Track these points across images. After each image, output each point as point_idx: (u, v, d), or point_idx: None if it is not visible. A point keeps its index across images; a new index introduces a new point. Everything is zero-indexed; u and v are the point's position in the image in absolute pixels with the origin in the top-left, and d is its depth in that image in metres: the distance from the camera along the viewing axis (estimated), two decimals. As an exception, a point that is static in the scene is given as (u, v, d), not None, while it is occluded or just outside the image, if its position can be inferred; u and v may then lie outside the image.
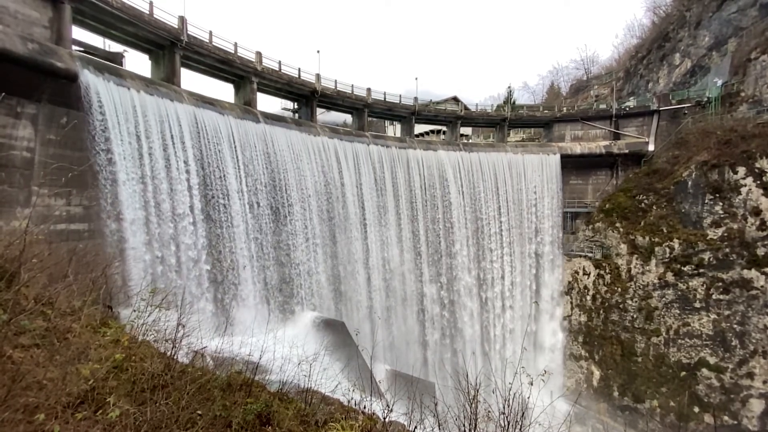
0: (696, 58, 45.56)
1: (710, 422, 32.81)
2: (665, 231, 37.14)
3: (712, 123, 37.54)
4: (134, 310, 7.76)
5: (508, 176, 43.07)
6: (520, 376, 6.58)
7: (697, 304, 35.06)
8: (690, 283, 35.42)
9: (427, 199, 39.90)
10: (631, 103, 45.26)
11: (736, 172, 34.15)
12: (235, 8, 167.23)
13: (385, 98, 40.12)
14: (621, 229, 39.78)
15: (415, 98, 42.46)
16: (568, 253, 43.01)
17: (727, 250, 34.02)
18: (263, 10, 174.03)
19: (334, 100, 36.96)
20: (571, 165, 43.99)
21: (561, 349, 41.75)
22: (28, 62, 16.72)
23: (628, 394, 37.28)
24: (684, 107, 40.75)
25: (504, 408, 6.13)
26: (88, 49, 23.01)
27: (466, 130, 55.55)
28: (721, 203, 34.64)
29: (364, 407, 7.11)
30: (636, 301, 37.97)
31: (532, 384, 6.74)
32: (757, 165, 33.38)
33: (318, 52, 40.83)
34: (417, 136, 47.62)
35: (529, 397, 6.56)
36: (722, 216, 34.57)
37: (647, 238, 37.82)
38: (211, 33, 26.34)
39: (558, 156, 43.61)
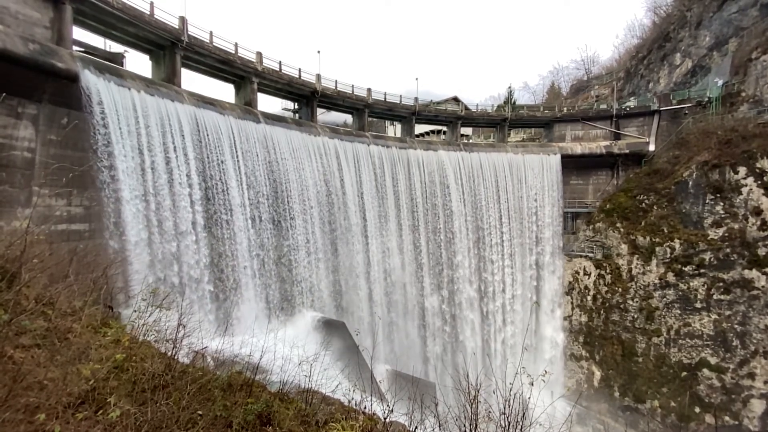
0: (697, 58, 45.54)
1: (711, 422, 32.78)
2: (666, 231, 37.11)
3: (713, 123, 37.51)
4: (135, 311, 7.77)
5: (508, 176, 43.05)
6: (521, 377, 6.58)
7: (698, 305, 35.03)
8: (691, 284, 35.39)
9: (428, 204, 39.75)
10: (632, 103, 45.23)
11: (736, 172, 34.13)
12: (235, 8, 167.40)
13: (385, 98, 40.13)
14: (622, 230, 39.75)
15: (416, 98, 42.47)
16: (569, 253, 42.99)
17: (728, 250, 33.99)
18: (263, 10, 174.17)
19: (335, 101, 36.97)
20: (572, 165, 43.97)
21: (561, 350, 41.73)
22: (29, 62, 16.74)
23: (628, 394, 37.24)
24: (685, 107, 40.72)
25: (504, 408, 6.12)
26: (89, 49, 23.04)
27: (467, 131, 55.55)
28: (721, 203, 34.61)
29: (365, 407, 7.10)
30: (637, 302, 37.94)
31: (532, 384, 6.74)
32: (758, 165, 33.35)
33: (318, 52, 40.89)
34: (417, 136, 47.61)
35: (529, 398, 6.56)
36: (723, 216, 34.54)
37: (648, 239, 37.79)
38: (211, 33, 26.37)
39: (558, 156, 43.59)
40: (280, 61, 31.28)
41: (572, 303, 41.93)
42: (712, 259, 34.58)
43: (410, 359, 36.05)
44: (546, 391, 6.87)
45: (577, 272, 41.83)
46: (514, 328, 42.34)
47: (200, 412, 5.57)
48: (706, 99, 39.58)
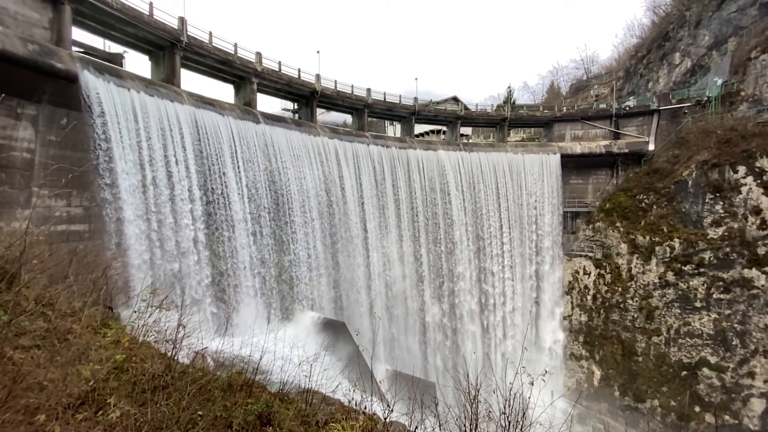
0: (696, 57, 45.54)
1: (711, 422, 32.79)
2: (666, 230, 37.13)
3: (713, 122, 37.52)
4: (135, 311, 7.76)
5: (508, 176, 43.05)
6: (521, 376, 6.58)
7: (698, 304, 35.04)
8: (690, 283, 35.40)
9: (428, 213, 39.63)
10: (631, 102, 45.25)
11: (736, 172, 34.14)
12: (235, 8, 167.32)
13: (385, 98, 40.13)
14: (621, 229, 39.76)
15: (415, 98, 42.47)
16: (569, 252, 43.00)
17: (728, 249, 34.00)
18: (263, 10, 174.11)
19: (334, 101, 36.96)
20: (572, 165, 43.98)
21: (561, 349, 41.73)
22: (28, 63, 16.73)
23: (628, 393, 37.26)
24: (684, 107, 40.73)
25: (505, 408, 6.12)
26: (88, 50, 23.03)
27: (466, 130, 55.56)
28: (721, 202, 34.63)
29: (365, 407, 7.10)
30: (636, 301, 37.95)
31: (532, 384, 6.74)
32: (758, 164, 33.37)
33: (318, 52, 40.86)
34: (417, 136, 47.61)
35: (529, 397, 6.56)
36: (723, 215, 34.56)
37: (648, 238, 37.81)
38: (211, 34, 26.37)
39: (558, 156, 43.60)
40: (280, 62, 31.30)
41: (572, 302, 41.94)
42: (711, 259, 34.60)
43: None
44: (546, 390, 6.87)
45: (577, 272, 41.84)
46: (514, 342, 42.22)
47: (200, 413, 5.57)
48: (706, 98, 39.59)
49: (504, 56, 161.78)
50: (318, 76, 34.19)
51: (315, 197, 30.41)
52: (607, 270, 39.99)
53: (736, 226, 33.92)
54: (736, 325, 33.51)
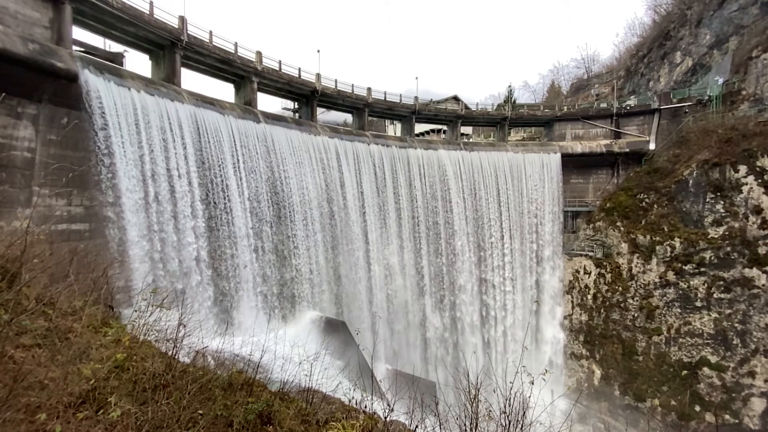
0: (697, 56, 45.48)
1: (711, 421, 32.76)
2: (666, 230, 37.09)
3: (713, 121, 37.47)
4: (135, 310, 7.77)
5: (508, 175, 43.03)
6: (521, 375, 6.58)
7: (698, 303, 35.02)
8: (691, 282, 35.38)
9: (429, 222, 39.57)
10: (632, 101, 45.20)
11: (737, 171, 34.09)
12: (235, 8, 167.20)
13: (385, 97, 40.12)
14: (622, 228, 39.74)
15: (416, 97, 42.45)
16: (569, 252, 42.99)
17: (729, 248, 33.97)
18: (263, 10, 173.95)
19: (335, 100, 36.94)
20: (572, 164, 43.95)
21: (562, 348, 41.74)
22: (28, 62, 16.73)
23: (629, 393, 37.26)
24: (685, 106, 40.68)
25: (505, 407, 6.13)
26: (89, 49, 23.02)
27: (467, 130, 55.52)
28: (722, 202, 34.59)
29: (365, 406, 7.11)
30: (637, 300, 37.93)
31: (533, 383, 6.74)
32: (759, 163, 33.32)
33: (318, 51, 40.83)
34: (417, 135, 47.58)
35: (530, 396, 6.56)
36: (723, 215, 34.52)
37: (648, 237, 37.78)
38: (211, 33, 26.36)
39: (559, 155, 43.57)
40: (280, 61, 31.30)
41: (572, 302, 41.93)
42: (712, 258, 34.57)
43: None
44: (546, 390, 6.88)
45: (578, 271, 41.82)
46: (515, 356, 42.10)
47: (201, 412, 5.57)
48: (707, 97, 39.53)
49: (504, 55, 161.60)
50: (318, 76, 34.18)
51: (317, 207, 30.07)
52: (608, 269, 39.97)
53: (736, 225, 33.88)
54: (736, 325, 33.49)
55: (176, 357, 6.69)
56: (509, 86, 67.41)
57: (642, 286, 37.77)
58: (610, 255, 40.26)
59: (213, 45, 26.56)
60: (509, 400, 6.12)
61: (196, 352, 7.90)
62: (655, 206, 38.29)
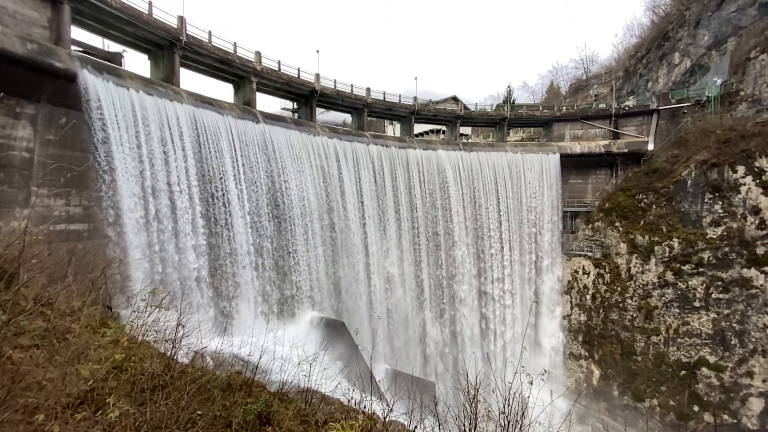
0: (695, 57, 45.56)
1: (710, 421, 32.81)
2: (665, 230, 37.16)
3: (712, 122, 37.55)
4: (134, 311, 7.75)
5: (507, 176, 43.07)
6: (520, 376, 6.58)
7: (697, 303, 35.09)
8: (689, 282, 35.44)
9: (429, 231, 39.56)
10: (631, 102, 45.28)
11: (735, 171, 34.17)
12: (235, 8, 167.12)
13: (384, 98, 40.13)
14: (621, 229, 39.80)
15: (415, 98, 42.46)
16: (568, 252, 43.03)
17: (727, 249, 34.04)
18: (263, 10, 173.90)
19: (334, 100, 36.93)
20: (571, 164, 44.01)
21: (561, 349, 41.78)
22: (27, 62, 16.69)
23: (627, 393, 37.30)
24: (683, 106, 40.77)
25: (504, 407, 6.12)
26: (88, 49, 22.99)
27: (466, 130, 55.58)
28: (720, 202, 34.66)
29: (364, 407, 7.10)
30: (636, 301, 37.99)
31: (532, 383, 6.74)
32: (757, 164, 33.40)
33: (317, 51, 40.85)
34: (416, 135, 47.59)
35: (529, 397, 6.56)
36: (722, 215, 34.59)
37: (647, 238, 37.84)
38: (210, 33, 26.33)
39: (557, 155, 43.62)
40: (279, 61, 31.28)
41: (571, 302, 41.97)
42: (710, 258, 34.63)
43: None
44: (545, 390, 6.88)
45: (576, 271, 41.87)
46: (513, 358, 42.04)
47: (200, 412, 5.57)
48: (705, 98, 39.62)
49: (503, 56, 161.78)
50: (317, 76, 34.16)
51: (318, 219, 29.68)
52: (607, 270, 40.03)
53: (735, 225, 33.96)
54: (735, 325, 33.55)
55: (175, 357, 6.68)
56: (508, 86, 67.61)
57: (641, 286, 37.83)
58: (608, 255, 40.32)
59: (212, 45, 26.53)
60: (508, 400, 6.12)
61: (195, 353, 7.89)
62: (654, 206, 38.36)
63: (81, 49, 22.06)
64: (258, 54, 29.55)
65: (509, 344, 41.86)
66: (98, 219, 18.87)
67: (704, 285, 34.83)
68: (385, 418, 6.68)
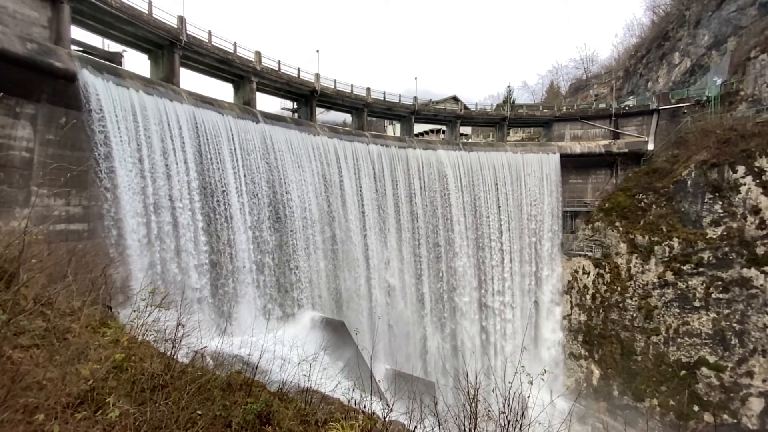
0: (695, 57, 45.56)
1: (710, 421, 32.82)
2: (665, 230, 37.15)
3: (712, 122, 37.55)
4: (134, 310, 7.75)
5: (507, 176, 43.06)
6: (520, 375, 6.58)
7: (697, 303, 35.08)
8: (689, 282, 35.44)
9: (430, 238, 39.56)
10: (631, 102, 45.29)
11: (735, 171, 34.17)
12: (235, 8, 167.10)
13: (384, 98, 40.13)
14: (620, 229, 39.79)
15: (415, 98, 42.46)
16: (568, 252, 43.03)
17: (727, 249, 34.04)
18: (263, 10, 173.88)
19: (334, 100, 36.92)
20: (571, 164, 44.00)
21: (561, 348, 41.78)
22: (27, 62, 16.69)
23: (627, 392, 37.30)
24: (683, 106, 40.76)
25: (504, 407, 6.12)
26: (87, 49, 23.00)
27: (466, 130, 55.59)
28: (720, 202, 34.66)
29: (364, 407, 7.10)
30: (636, 300, 37.99)
31: (532, 383, 6.74)
32: (757, 164, 33.39)
33: (317, 51, 40.87)
34: (416, 135, 47.58)
35: (529, 397, 6.56)
36: (722, 215, 34.59)
37: (647, 237, 37.84)
38: (210, 33, 26.33)
39: (557, 155, 43.62)
40: (279, 61, 31.28)
41: (571, 302, 41.97)
42: (710, 258, 34.63)
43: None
44: (545, 390, 6.88)
45: (576, 271, 41.87)
46: (513, 358, 41.81)
47: (199, 412, 5.56)
48: (705, 98, 39.62)
49: (504, 56, 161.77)
50: (317, 76, 34.16)
51: (320, 232, 29.44)
52: (607, 269, 40.03)
53: (735, 225, 33.95)
54: (734, 325, 33.55)
55: (175, 357, 6.67)
56: (508, 86, 67.56)
57: (641, 286, 37.83)
58: (608, 255, 40.32)
59: (212, 45, 26.52)
60: (508, 400, 6.12)
61: (195, 353, 7.89)
62: (654, 206, 38.36)
63: (81, 49, 22.07)
64: (258, 54, 29.55)
65: (510, 358, 41.66)
66: (98, 220, 18.86)
67: (704, 285, 34.83)
68: (385, 418, 6.68)
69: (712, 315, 34.42)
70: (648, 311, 37.20)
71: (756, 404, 32.20)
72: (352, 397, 7.46)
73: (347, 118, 51.47)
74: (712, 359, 34.17)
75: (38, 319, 5.80)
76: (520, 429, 6.09)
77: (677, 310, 35.92)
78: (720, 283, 34.19)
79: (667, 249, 36.64)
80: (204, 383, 6.24)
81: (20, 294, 5.77)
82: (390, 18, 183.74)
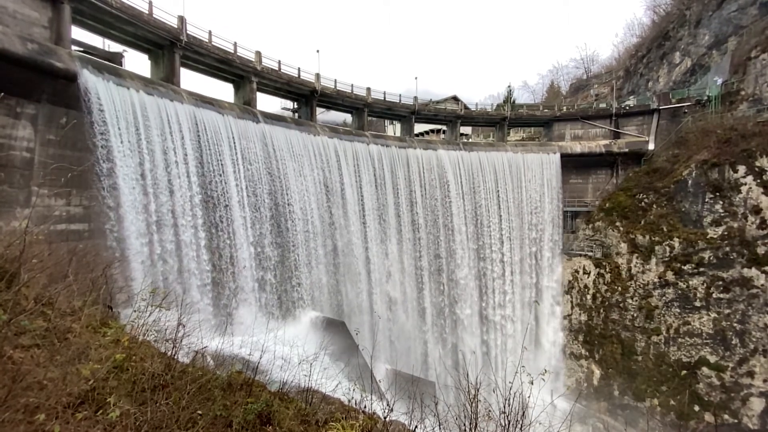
0: (696, 56, 45.52)
1: (711, 421, 32.80)
2: (665, 230, 37.13)
3: (712, 122, 37.50)
4: (135, 310, 7.75)
5: (508, 176, 43.05)
6: (521, 376, 6.58)
7: (698, 303, 35.06)
8: (690, 282, 35.42)
9: (430, 242, 39.54)
10: (631, 102, 45.23)
11: (736, 171, 34.13)
12: (235, 8, 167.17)
13: (384, 98, 40.12)
14: (621, 228, 39.77)
15: (415, 97, 42.44)
16: (569, 252, 43.01)
17: (728, 248, 34.01)
18: (263, 10, 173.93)
19: (334, 100, 36.92)
20: (571, 164, 43.98)
21: (561, 348, 41.77)
22: (27, 62, 16.71)
23: (628, 392, 37.28)
24: (684, 106, 40.72)
25: (504, 407, 6.12)
26: (88, 49, 23.01)
27: (466, 130, 55.59)
28: (721, 202, 34.63)
29: (365, 407, 7.10)
30: (636, 300, 37.96)
31: (532, 383, 6.74)
32: (757, 164, 33.35)
33: (318, 51, 40.85)
34: (417, 135, 47.57)
35: (529, 397, 6.56)
36: (722, 215, 34.56)
37: (647, 237, 37.81)
38: (210, 33, 26.34)
39: (558, 155, 43.60)
40: (279, 61, 31.28)
41: (572, 302, 41.96)
42: (711, 258, 34.60)
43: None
44: (546, 389, 6.88)
45: (577, 271, 41.85)
46: (514, 357, 41.89)
47: (200, 412, 5.56)
48: (706, 98, 39.57)
49: (504, 56, 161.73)
50: (318, 76, 34.16)
51: (322, 246, 29.18)
52: (607, 269, 40.00)
53: (735, 225, 33.92)
54: (735, 325, 33.52)
55: (175, 357, 6.68)
56: (508, 86, 67.57)
57: (641, 286, 37.80)
58: (609, 255, 40.29)
59: (212, 45, 26.53)
60: (509, 400, 6.12)
61: (196, 353, 7.89)
62: (654, 206, 38.33)
63: (81, 49, 22.08)
64: (258, 54, 29.55)
65: (511, 359, 41.70)
66: (99, 220, 18.88)
67: (705, 285, 34.80)
68: (385, 418, 6.68)
69: (713, 315, 34.39)
70: (648, 311, 37.17)
71: (757, 404, 32.18)
72: (352, 397, 7.46)
73: (347, 118, 51.49)
74: (712, 359, 34.15)
75: (39, 319, 5.80)
76: (521, 429, 6.09)
77: (678, 310, 35.90)
78: (721, 282, 34.16)
79: (667, 249, 36.61)
80: (204, 383, 6.24)
81: (21, 294, 5.78)
82: (390, 18, 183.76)
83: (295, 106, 36.50)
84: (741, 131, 34.75)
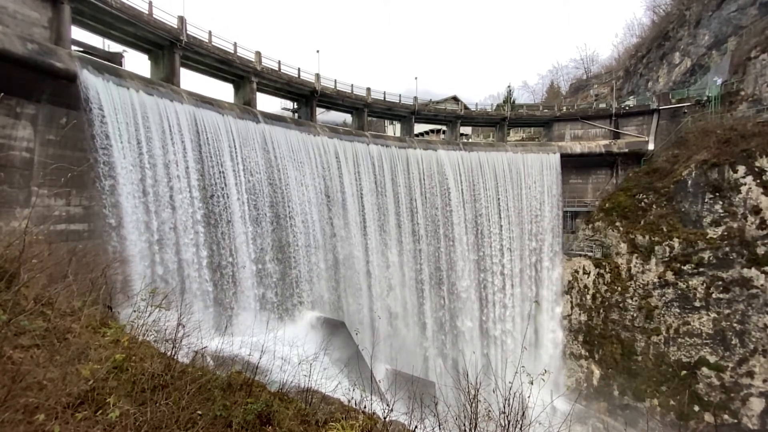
0: (696, 57, 45.53)
1: (710, 421, 32.79)
2: (665, 230, 37.13)
3: (712, 122, 37.50)
4: (134, 311, 7.75)
5: (508, 176, 43.05)
6: (520, 376, 6.58)
7: (697, 303, 35.06)
8: (690, 282, 35.42)
9: (430, 245, 39.50)
10: (631, 102, 45.24)
11: (735, 171, 34.14)
12: (235, 8, 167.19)
13: (384, 98, 40.12)
14: (621, 228, 39.77)
15: (415, 98, 42.45)
16: (568, 252, 43.01)
17: (727, 249, 34.01)
18: (263, 10, 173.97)
19: (334, 100, 36.92)
20: (571, 164, 43.98)
21: (561, 349, 41.76)
22: (27, 62, 16.70)
23: (628, 393, 37.28)
24: (684, 106, 40.73)
25: (504, 407, 6.12)
26: (88, 49, 23.00)
27: (466, 130, 55.60)
28: (721, 202, 34.63)
29: (365, 407, 7.10)
30: (636, 300, 37.96)
31: (532, 383, 6.74)
32: (757, 164, 33.36)
33: (318, 51, 40.87)
34: (417, 135, 47.57)
35: (529, 397, 6.56)
36: (722, 215, 34.56)
37: (647, 237, 37.81)
38: (210, 33, 26.34)
39: (558, 155, 43.60)
40: (279, 61, 31.27)
41: (572, 302, 41.95)
42: (711, 258, 34.60)
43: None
44: (546, 390, 6.88)
45: (577, 271, 41.85)
46: (514, 357, 41.81)
47: (200, 412, 5.56)
48: (705, 98, 39.58)
49: (504, 56, 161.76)
50: (318, 76, 34.16)
51: (323, 259, 28.97)
52: (607, 269, 40.00)
53: (735, 225, 33.93)
54: (735, 325, 33.52)
55: (175, 357, 6.67)
56: (508, 86, 67.59)
57: (641, 286, 37.80)
58: (609, 255, 40.29)
59: (212, 45, 26.53)
60: (508, 400, 6.12)
61: (195, 353, 7.89)
62: (654, 206, 38.33)
63: (81, 49, 22.07)
64: (258, 54, 29.55)
65: (511, 359, 41.58)
66: (98, 220, 18.88)
67: (704, 285, 34.80)
68: (385, 418, 6.67)
69: (713, 315, 34.40)
70: (648, 311, 37.17)
71: (756, 404, 32.18)
72: (352, 397, 7.46)
73: (347, 118, 51.50)
74: (712, 359, 34.15)
75: (39, 319, 5.80)
76: (521, 429, 6.09)
77: (678, 310, 35.90)
78: (720, 283, 34.16)
79: (667, 249, 36.62)
80: (204, 383, 6.24)
81: (21, 294, 5.78)
82: (390, 18, 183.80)
83: (295, 107, 36.49)
84: (741, 131, 34.75)
